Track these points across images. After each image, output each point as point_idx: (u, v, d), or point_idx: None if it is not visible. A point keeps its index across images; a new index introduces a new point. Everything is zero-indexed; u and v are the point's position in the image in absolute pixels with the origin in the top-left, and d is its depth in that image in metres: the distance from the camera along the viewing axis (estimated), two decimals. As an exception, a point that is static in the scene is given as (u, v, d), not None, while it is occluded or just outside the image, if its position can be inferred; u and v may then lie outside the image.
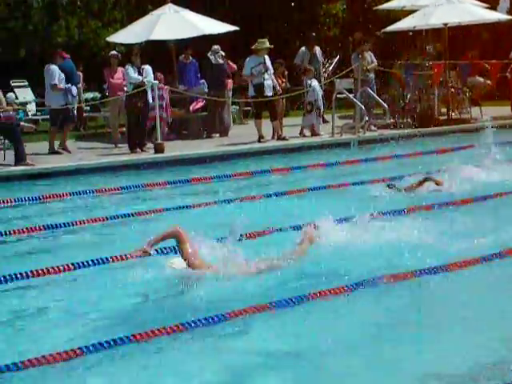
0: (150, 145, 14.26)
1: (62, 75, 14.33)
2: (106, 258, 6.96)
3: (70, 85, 14.34)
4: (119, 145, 14.94)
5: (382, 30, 19.96)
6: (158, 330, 5.24)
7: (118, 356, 4.98)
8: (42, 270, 6.66)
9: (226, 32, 16.78)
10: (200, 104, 16.43)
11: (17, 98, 18.95)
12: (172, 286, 6.34)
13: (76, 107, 15.24)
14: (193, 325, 5.34)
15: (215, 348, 5.17)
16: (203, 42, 16.85)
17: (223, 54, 16.56)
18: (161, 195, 10.88)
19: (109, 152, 14.34)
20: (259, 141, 15.10)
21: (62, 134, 14.58)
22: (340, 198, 9.83)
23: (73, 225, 8.69)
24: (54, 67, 14.26)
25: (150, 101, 14.04)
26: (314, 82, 16.04)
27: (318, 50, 17.95)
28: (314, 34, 18.59)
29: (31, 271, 6.61)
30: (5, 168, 12.48)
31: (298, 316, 5.67)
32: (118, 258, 6.96)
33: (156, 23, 16.14)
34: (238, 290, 6.18)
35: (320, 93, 16.13)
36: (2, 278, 6.51)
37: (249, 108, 18.92)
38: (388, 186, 9.90)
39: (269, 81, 15.19)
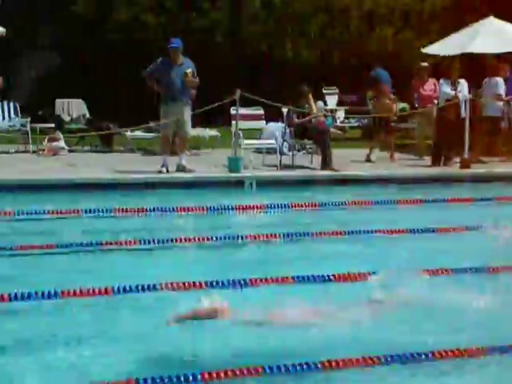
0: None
1: (504, 86, 14.57)
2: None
3: None
4: (424, 157, 14.75)
5: None
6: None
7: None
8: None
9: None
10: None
11: (326, 104, 19.59)
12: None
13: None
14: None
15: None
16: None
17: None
18: (460, 212, 10.52)
19: (413, 163, 14.23)
20: None
21: None
22: None
23: (372, 232, 8.76)
24: (500, 79, 14.66)
25: (463, 115, 13.68)
26: None
27: None
28: None
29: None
30: (312, 172, 12.95)
31: None
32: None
33: (475, 36, 15.87)
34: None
35: None
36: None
37: None
38: None
39: None
